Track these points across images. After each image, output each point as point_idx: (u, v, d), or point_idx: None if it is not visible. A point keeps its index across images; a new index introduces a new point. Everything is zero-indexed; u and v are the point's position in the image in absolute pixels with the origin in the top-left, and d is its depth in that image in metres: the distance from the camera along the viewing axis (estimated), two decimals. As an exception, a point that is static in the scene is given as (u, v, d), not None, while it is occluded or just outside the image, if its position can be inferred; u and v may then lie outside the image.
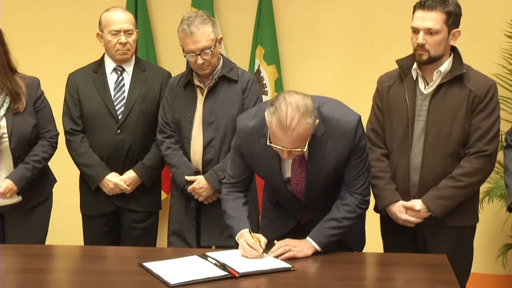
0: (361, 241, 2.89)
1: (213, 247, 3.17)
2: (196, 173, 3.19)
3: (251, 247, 2.51)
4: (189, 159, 3.21)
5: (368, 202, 2.69)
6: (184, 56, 3.11)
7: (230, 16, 4.22)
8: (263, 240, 2.54)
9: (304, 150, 2.44)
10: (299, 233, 2.68)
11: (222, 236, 3.15)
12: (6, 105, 3.00)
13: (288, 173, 2.63)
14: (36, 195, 3.14)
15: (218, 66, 3.17)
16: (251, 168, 2.71)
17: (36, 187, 3.13)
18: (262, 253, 2.51)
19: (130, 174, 3.32)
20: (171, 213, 3.33)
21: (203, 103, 3.16)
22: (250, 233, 2.57)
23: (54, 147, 3.18)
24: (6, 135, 2.98)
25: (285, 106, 2.36)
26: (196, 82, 3.18)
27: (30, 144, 3.09)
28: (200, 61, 3.06)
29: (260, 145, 2.55)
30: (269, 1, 4.11)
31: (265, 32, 4.10)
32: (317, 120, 2.45)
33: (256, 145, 2.58)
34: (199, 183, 3.15)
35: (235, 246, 2.62)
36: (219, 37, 3.12)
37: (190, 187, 3.17)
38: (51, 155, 3.17)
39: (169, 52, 4.24)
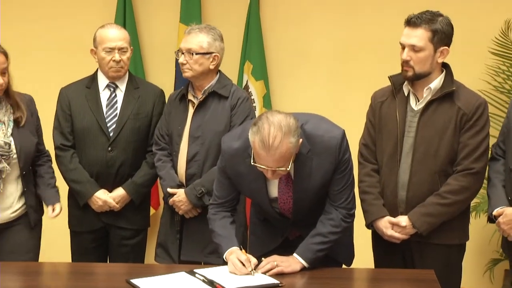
0: (350, 256, 2.89)
1: (202, 263, 3.16)
2: (180, 186, 3.20)
3: (242, 264, 2.51)
4: (176, 172, 3.22)
5: (353, 216, 2.69)
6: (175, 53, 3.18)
7: (218, 32, 4.24)
8: (253, 260, 2.54)
9: (288, 169, 2.44)
10: (287, 249, 2.69)
11: (203, 252, 3.15)
12: (11, 124, 2.95)
13: (275, 193, 2.64)
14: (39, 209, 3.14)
15: (212, 81, 3.19)
16: (238, 188, 2.71)
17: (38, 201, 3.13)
18: (251, 271, 2.50)
19: (119, 191, 3.30)
20: (160, 224, 3.36)
21: (192, 118, 3.18)
22: (241, 250, 2.57)
23: (51, 165, 3.24)
24: (15, 153, 2.93)
25: (267, 126, 2.37)
26: (190, 97, 3.21)
27: (32, 162, 3.10)
28: (181, 59, 3.11)
29: (245, 166, 2.55)
30: (257, 16, 4.13)
31: (253, 47, 4.12)
32: (301, 139, 2.46)
33: (241, 166, 2.58)
34: (179, 196, 3.16)
35: (216, 262, 2.61)
36: (214, 54, 3.13)
37: (170, 200, 3.19)
38: None
39: (157, 68, 4.25)
